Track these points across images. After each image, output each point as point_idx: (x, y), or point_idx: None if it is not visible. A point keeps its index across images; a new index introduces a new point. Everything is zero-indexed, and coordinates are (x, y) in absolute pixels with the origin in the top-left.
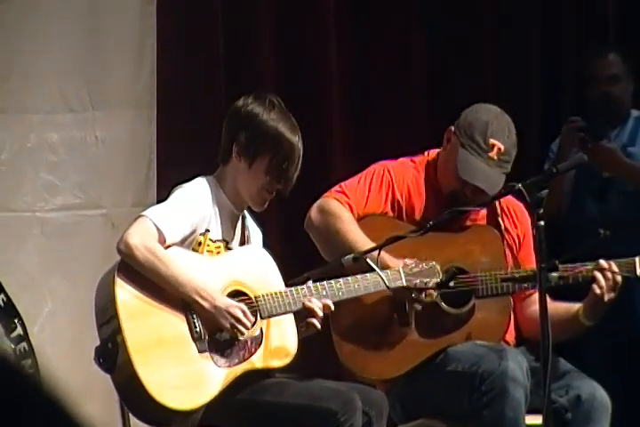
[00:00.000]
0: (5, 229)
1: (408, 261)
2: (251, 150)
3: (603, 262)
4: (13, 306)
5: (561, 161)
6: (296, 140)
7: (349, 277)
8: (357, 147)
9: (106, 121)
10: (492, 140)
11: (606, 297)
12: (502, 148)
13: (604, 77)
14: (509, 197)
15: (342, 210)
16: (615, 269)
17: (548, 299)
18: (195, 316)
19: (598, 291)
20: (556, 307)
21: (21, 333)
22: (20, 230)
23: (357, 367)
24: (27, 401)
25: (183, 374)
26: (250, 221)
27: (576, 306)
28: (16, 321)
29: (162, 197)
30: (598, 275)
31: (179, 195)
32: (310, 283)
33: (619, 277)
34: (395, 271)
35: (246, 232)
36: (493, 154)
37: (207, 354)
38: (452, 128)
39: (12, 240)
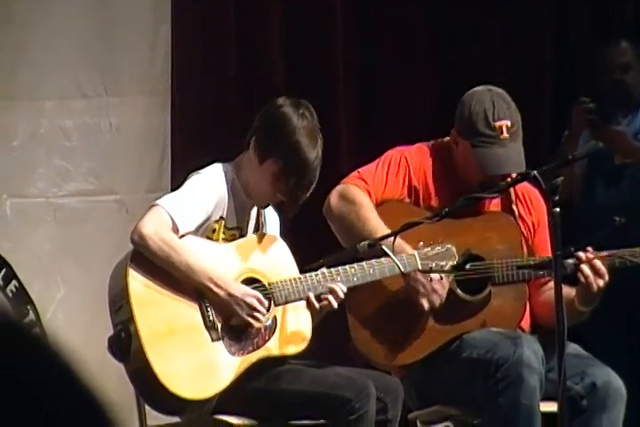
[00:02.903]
0: (18, 215)
1: (423, 244)
2: (263, 149)
3: (581, 254)
4: (26, 292)
5: (571, 142)
6: (312, 156)
7: (364, 263)
8: (364, 138)
9: (120, 107)
10: (497, 124)
11: (594, 286)
12: (508, 123)
13: (617, 66)
14: (524, 184)
15: (362, 197)
16: (597, 262)
17: (553, 284)
18: (208, 304)
19: (583, 280)
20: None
21: (34, 318)
22: (33, 216)
23: (373, 354)
24: (35, 366)
25: (196, 364)
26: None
27: (574, 291)
28: (28, 307)
29: (176, 183)
30: (582, 266)
31: (193, 182)
32: (325, 269)
33: (602, 267)
34: (410, 255)
35: (261, 218)
36: (504, 134)
37: (220, 342)
38: (454, 131)
39: (25, 226)
